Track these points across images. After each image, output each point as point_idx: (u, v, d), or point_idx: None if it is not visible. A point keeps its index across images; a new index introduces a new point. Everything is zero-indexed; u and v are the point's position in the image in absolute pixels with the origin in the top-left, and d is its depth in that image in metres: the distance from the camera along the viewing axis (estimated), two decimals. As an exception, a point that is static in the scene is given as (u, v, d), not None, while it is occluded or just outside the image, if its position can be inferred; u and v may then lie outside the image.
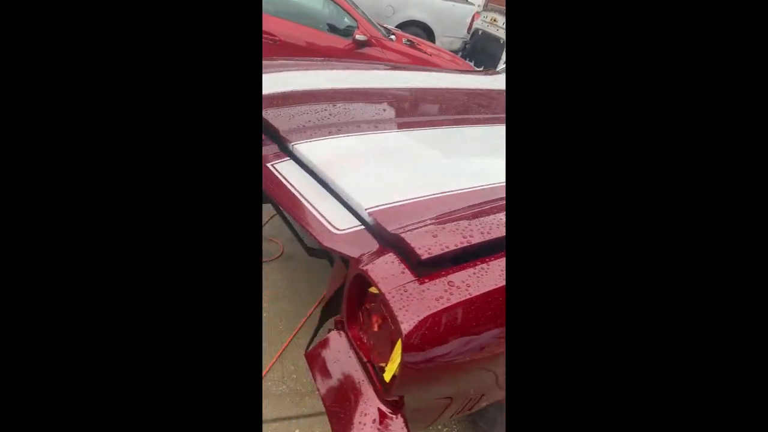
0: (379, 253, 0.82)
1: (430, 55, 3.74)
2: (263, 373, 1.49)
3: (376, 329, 0.81)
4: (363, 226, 0.91)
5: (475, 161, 1.28)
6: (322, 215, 0.93)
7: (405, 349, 0.69)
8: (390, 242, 0.84)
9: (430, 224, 0.85)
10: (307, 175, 1.05)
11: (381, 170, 1.06)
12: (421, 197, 0.97)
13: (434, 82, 1.91)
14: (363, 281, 0.82)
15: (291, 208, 0.96)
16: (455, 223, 0.86)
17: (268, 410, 1.38)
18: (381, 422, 0.79)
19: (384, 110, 1.46)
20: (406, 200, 0.95)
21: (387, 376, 0.78)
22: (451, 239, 0.81)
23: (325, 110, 1.34)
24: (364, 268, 0.78)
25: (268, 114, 1.28)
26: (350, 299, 0.87)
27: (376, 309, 0.82)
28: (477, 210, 0.93)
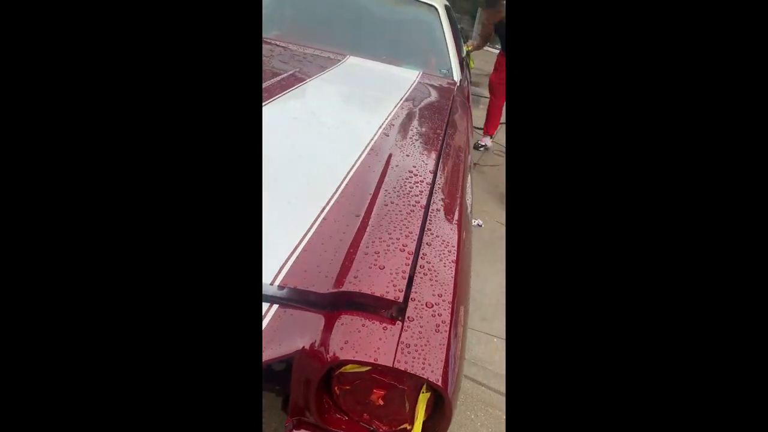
0: (331, 326, 0.64)
1: None
2: None
3: (381, 402, 0.67)
4: (278, 305, 0.67)
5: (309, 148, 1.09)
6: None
7: (446, 392, 0.62)
8: (333, 304, 0.67)
9: (358, 255, 0.72)
10: None
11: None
12: (311, 225, 0.78)
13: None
14: (333, 368, 0.64)
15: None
16: (379, 241, 0.76)
17: None
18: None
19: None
20: (301, 241, 0.75)
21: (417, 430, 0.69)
22: (396, 261, 0.72)
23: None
24: (339, 356, 0.60)
25: None
26: (318, 393, 0.67)
27: (364, 384, 0.67)
28: (373, 204, 0.85)
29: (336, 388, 0.69)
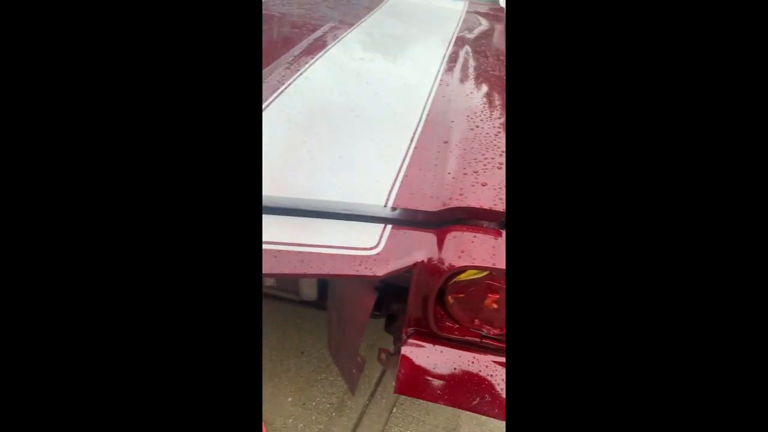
0: (443, 240, 0.70)
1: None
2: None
3: (494, 306, 0.74)
4: (392, 226, 0.73)
5: (382, 73, 1.14)
6: (342, 247, 0.69)
7: None
8: (442, 220, 0.72)
9: (457, 176, 0.76)
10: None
11: (334, 152, 0.82)
12: (405, 154, 0.82)
13: None
14: (448, 278, 0.70)
15: (295, 269, 0.67)
16: (475, 161, 0.79)
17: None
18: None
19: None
20: (400, 168, 0.79)
21: None
22: (496, 177, 0.75)
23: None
24: (457, 264, 0.66)
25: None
26: (436, 302, 0.74)
27: (478, 290, 0.73)
28: (458, 130, 0.87)
29: (449, 297, 0.76)
